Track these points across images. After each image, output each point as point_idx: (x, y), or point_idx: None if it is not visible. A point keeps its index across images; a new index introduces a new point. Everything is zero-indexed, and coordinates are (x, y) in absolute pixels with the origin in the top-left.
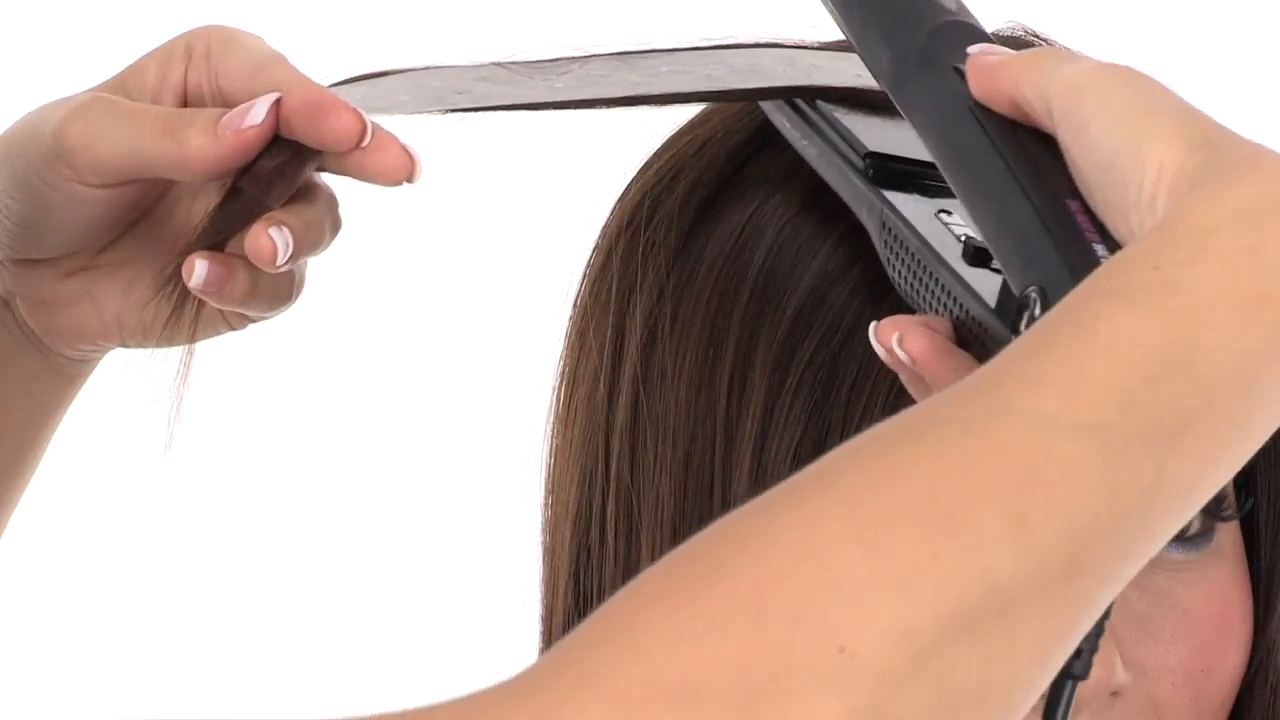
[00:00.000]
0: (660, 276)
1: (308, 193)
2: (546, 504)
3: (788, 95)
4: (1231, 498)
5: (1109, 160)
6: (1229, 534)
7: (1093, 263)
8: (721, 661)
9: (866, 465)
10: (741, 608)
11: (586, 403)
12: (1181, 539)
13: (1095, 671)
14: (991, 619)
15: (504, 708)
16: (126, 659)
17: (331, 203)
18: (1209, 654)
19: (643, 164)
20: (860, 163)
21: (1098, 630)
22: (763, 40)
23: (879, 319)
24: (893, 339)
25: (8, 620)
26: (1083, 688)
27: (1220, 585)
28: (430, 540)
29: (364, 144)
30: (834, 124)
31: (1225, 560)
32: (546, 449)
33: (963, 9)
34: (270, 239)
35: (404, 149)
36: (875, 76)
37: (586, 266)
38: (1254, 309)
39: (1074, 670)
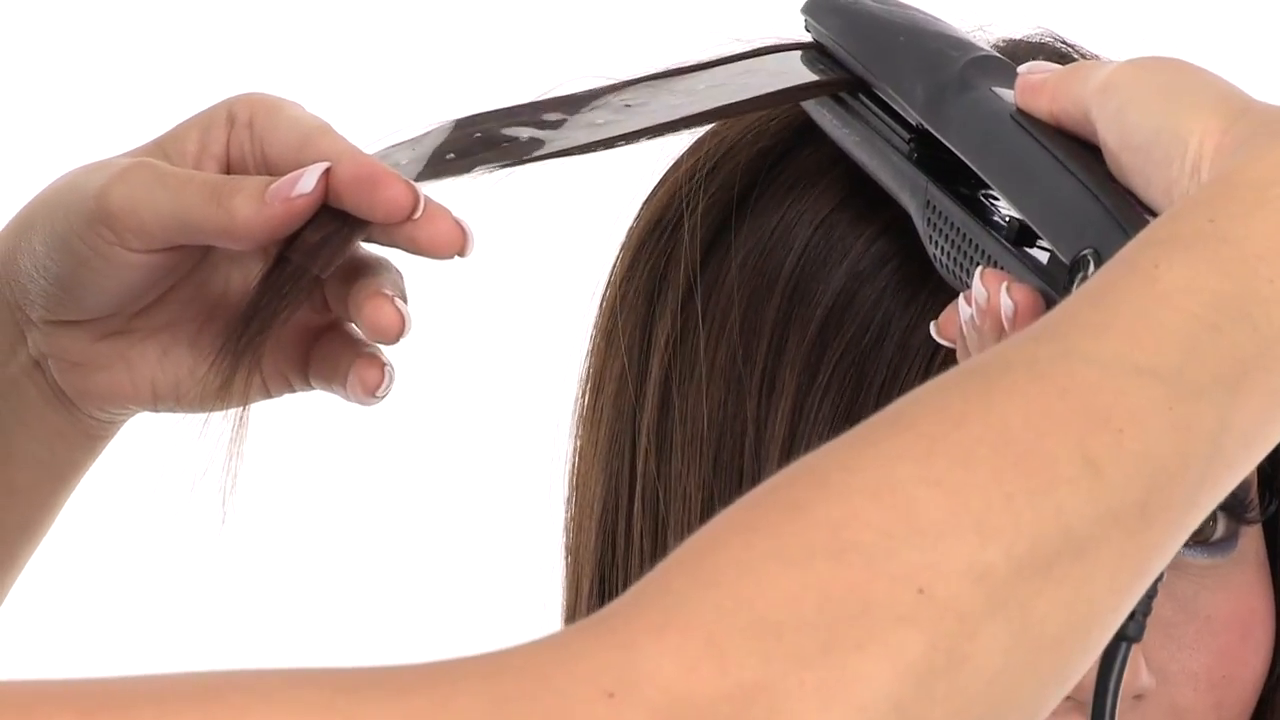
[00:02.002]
0: (690, 276)
1: (370, 268)
2: (570, 503)
3: (830, 91)
4: (1256, 500)
5: (1149, 142)
6: (1252, 541)
7: (1144, 226)
8: (802, 600)
9: (939, 407)
10: (820, 548)
11: (613, 403)
12: (1206, 544)
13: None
14: (1067, 561)
15: (587, 645)
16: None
17: (399, 274)
18: (1231, 660)
19: (671, 164)
20: (905, 146)
21: (1151, 592)
22: (798, 40)
23: (910, 319)
24: (1001, 286)
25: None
26: None
27: (1243, 592)
28: (453, 541)
29: (415, 216)
30: (877, 112)
31: (1248, 567)
32: (571, 449)
33: (973, 36)
34: (397, 310)
35: (456, 222)
36: (911, 108)
37: (613, 268)
38: None
39: (1128, 632)
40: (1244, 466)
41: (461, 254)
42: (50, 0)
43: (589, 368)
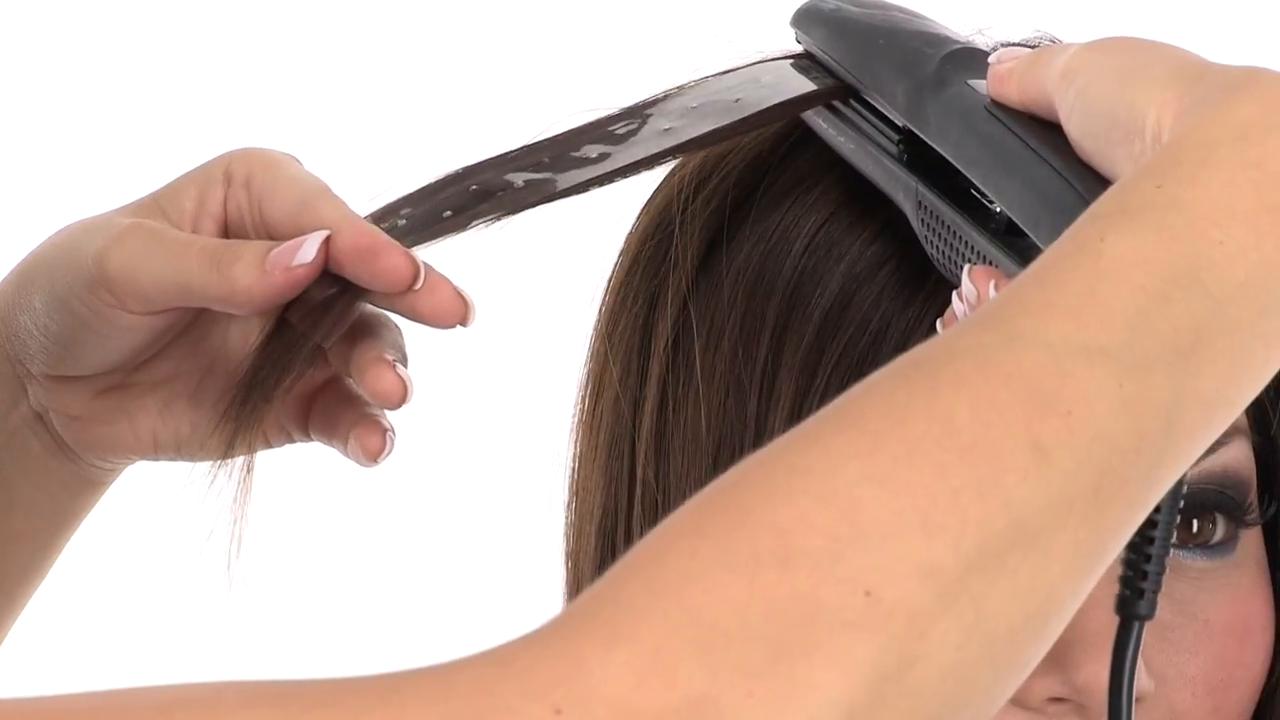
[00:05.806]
0: (689, 279)
1: (371, 328)
2: (570, 508)
3: (820, 102)
4: (1255, 503)
5: (1109, 119)
6: (1252, 543)
7: None
8: (749, 609)
9: (885, 402)
10: (767, 554)
11: (612, 407)
12: (1205, 547)
13: None
14: (1020, 552)
15: (535, 659)
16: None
17: (399, 333)
18: (1229, 664)
19: (669, 169)
20: (894, 149)
21: (1159, 568)
22: (789, 51)
23: (908, 320)
24: (990, 283)
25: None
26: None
27: (1242, 595)
28: (453, 547)
29: (416, 287)
30: (868, 117)
31: (1248, 570)
32: (570, 454)
33: (970, 39)
34: (399, 377)
35: (456, 292)
36: (894, 110)
37: (611, 273)
38: (1262, 221)
39: (1140, 611)
40: (1209, 434)
41: (463, 324)
42: (53, 39)
43: (588, 372)
